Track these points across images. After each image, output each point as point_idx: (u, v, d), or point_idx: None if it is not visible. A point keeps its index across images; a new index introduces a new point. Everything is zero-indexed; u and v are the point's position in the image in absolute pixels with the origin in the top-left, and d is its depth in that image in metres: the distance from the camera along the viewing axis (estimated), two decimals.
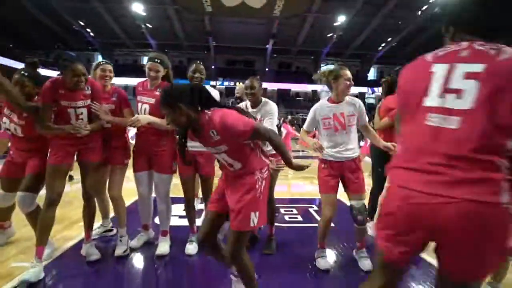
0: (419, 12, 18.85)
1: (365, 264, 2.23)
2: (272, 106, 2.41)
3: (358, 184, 2.21)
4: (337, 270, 2.27)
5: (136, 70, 14.51)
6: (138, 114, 2.27)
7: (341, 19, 20.21)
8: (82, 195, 2.21)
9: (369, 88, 27.77)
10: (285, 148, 1.55)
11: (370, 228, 2.71)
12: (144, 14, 19.87)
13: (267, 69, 28.36)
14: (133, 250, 2.38)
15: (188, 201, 2.45)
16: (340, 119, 2.20)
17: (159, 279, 2.11)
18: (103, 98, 2.25)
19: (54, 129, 2.01)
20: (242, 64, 29.31)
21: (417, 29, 21.30)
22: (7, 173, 2.28)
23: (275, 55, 28.03)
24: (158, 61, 2.27)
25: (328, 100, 2.26)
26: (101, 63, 2.43)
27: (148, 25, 21.41)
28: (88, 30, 22.90)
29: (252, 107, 2.42)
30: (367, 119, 2.30)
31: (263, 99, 2.45)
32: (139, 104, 2.30)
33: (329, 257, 2.36)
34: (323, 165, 2.28)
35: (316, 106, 2.32)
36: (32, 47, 24.36)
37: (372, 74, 29.99)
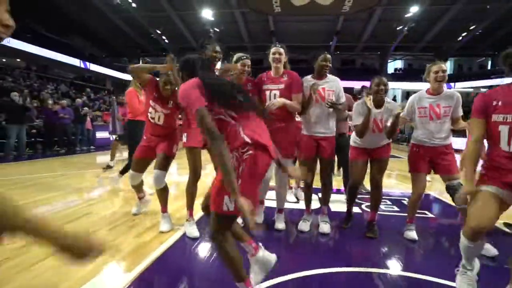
0: None
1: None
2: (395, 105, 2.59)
3: (449, 165, 2.38)
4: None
5: None
6: (269, 101, 2.55)
7: (413, 9, 18.74)
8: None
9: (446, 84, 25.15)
10: (226, 167, 1.31)
11: None
12: (212, 19, 21.20)
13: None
14: None
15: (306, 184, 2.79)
16: (436, 110, 2.42)
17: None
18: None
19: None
20: (305, 63, 29.14)
21: (508, 15, 18.59)
22: (142, 155, 2.75)
23: (337, 52, 27.22)
24: (279, 45, 2.60)
25: (426, 91, 2.51)
26: (242, 58, 2.63)
27: (216, 29, 22.74)
28: (163, 37, 25.24)
29: (376, 107, 2.59)
30: (461, 113, 2.43)
31: (387, 99, 2.61)
32: (267, 92, 2.57)
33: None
34: (414, 149, 2.54)
35: (414, 95, 2.59)
36: (117, 54, 27.85)
37: (448, 68, 27.10)
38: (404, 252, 2.33)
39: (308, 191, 2.74)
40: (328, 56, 2.58)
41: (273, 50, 2.55)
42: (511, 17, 18.99)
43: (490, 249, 2.27)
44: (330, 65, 2.58)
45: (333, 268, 1.96)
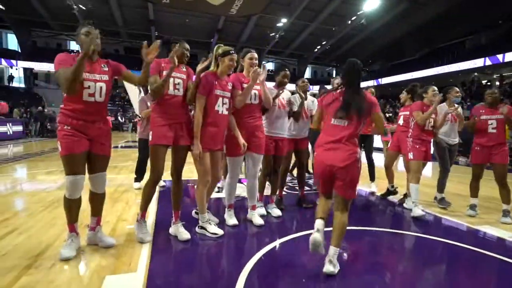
0: (349, 21, 21.48)
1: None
2: None
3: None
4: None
5: None
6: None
7: (283, 20, 21.70)
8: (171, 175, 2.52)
9: None
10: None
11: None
12: None
13: None
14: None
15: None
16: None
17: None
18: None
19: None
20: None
21: (347, 36, 24.23)
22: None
23: None
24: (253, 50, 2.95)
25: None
26: (231, 52, 2.56)
27: (81, 6, 19.39)
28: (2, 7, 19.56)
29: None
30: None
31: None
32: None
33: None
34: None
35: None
36: None
37: (308, 73, 32.69)
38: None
39: (264, 181, 3.23)
40: (288, 73, 3.20)
41: (250, 55, 2.82)
42: (348, 39, 24.81)
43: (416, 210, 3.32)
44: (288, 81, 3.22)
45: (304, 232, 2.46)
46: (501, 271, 2.21)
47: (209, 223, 2.59)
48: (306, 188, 4.11)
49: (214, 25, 23.15)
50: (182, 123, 2.42)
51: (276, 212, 3.19)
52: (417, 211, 3.29)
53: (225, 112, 2.54)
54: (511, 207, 3.34)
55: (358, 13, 20.19)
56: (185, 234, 2.44)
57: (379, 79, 24.63)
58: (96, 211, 2.27)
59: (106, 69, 2.19)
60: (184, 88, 2.43)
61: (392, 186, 4.13)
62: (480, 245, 2.58)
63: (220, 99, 2.49)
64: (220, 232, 2.56)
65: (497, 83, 17.79)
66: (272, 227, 2.92)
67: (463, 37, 20.99)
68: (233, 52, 2.52)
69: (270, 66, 33.02)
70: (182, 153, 2.47)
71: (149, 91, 2.36)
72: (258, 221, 2.87)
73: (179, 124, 2.40)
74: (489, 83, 18.59)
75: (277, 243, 2.48)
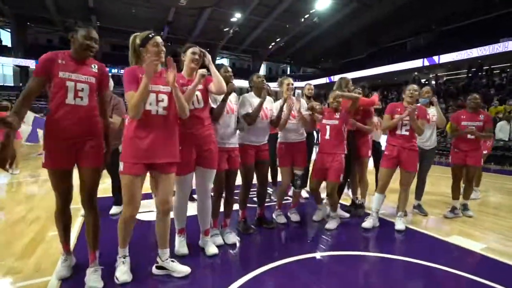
0: (303, 19, 21.74)
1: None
2: None
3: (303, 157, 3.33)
4: None
5: None
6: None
7: (237, 15, 21.16)
8: None
9: None
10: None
11: None
12: None
13: None
14: None
15: None
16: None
17: None
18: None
19: None
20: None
21: (301, 33, 24.54)
22: None
23: (169, 43, 26.67)
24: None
25: None
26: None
27: None
28: None
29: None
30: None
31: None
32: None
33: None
34: (282, 146, 3.24)
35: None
36: None
37: (262, 70, 32.60)
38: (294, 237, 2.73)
39: (217, 202, 2.66)
40: (229, 69, 2.67)
41: (192, 50, 2.26)
42: (302, 36, 25.18)
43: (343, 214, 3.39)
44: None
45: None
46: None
47: (172, 260, 2.08)
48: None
49: (164, 17, 21.69)
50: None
51: (231, 239, 2.69)
52: (368, 223, 3.23)
53: (163, 113, 1.95)
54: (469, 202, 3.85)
55: (311, 11, 20.53)
56: (93, 282, 1.86)
57: (331, 77, 25.47)
58: None
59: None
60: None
61: (357, 198, 3.86)
62: (448, 263, 2.43)
63: (153, 96, 1.91)
64: (186, 270, 2.07)
65: (433, 82, 19.42)
66: (230, 258, 2.46)
67: (405, 38, 22.57)
68: (153, 34, 1.92)
69: (224, 62, 32.35)
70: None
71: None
72: (212, 250, 2.40)
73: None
74: (426, 82, 20.23)
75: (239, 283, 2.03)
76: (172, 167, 2.00)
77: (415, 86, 3.20)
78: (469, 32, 17.82)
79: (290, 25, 23.01)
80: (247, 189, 2.93)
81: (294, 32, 24.07)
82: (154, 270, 2.07)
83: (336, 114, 3.16)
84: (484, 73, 16.53)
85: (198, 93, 2.24)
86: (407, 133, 3.17)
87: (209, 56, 2.29)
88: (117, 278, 1.92)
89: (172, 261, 2.07)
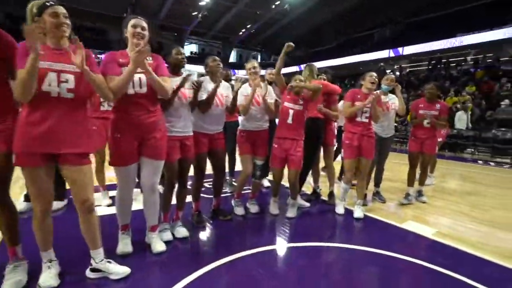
0: (274, 6, 21.40)
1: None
2: None
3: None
4: None
5: None
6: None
7: None
8: None
9: (231, 70, 29.58)
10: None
11: None
12: None
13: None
14: None
15: None
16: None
17: None
18: None
19: None
20: (91, 32, 24.68)
21: (271, 20, 24.20)
22: None
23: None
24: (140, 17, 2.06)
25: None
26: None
27: None
28: None
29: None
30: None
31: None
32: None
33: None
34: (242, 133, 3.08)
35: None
36: None
37: (233, 57, 31.95)
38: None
39: (168, 193, 2.46)
40: (183, 50, 2.47)
41: (134, 22, 1.99)
42: (272, 23, 24.87)
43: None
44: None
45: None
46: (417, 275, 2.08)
47: (108, 261, 1.86)
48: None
49: None
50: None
51: (181, 232, 2.50)
52: (340, 208, 3.30)
53: (67, 95, 1.63)
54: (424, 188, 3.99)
55: None
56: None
57: (301, 65, 25.56)
58: None
59: None
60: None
61: (318, 187, 3.84)
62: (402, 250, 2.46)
63: (53, 75, 1.59)
64: (123, 272, 1.87)
65: (398, 73, 20.18)
66: (179, 254, 2.28)
67: (372, 29, 23.12)
68: (52, 3, 1.61)
69: (193, 48, 31.23)
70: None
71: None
72: (158, 247, 2.20)
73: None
74: (391, 72, 21.00)
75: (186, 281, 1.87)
76: (83, 159, 1.72)
77: (374, 73, 3.17)
78: (432, 26, 18.60)
79: (260, 12, 22.59)
80: (199, 179, 2.75)
81: (265, 18, 23.69)
82: (88, 273, 1.84)
83: (300, 99, 3.03)
84: (442, 65, 17.42)
85: (141, 75, 1.97)
86: (367, 120, 3.15)
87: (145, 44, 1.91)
88: (39, 286, 1.67)
89: (108, 261, 1.85)
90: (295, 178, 3.03)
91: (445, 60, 17.51)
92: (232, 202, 3.22)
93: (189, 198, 2.72)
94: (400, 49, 18.69)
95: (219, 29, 26.21)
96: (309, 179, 3.98)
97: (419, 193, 3.93)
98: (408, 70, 20.56)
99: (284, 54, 2.92)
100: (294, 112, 2.99)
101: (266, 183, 4.26)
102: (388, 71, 21.24)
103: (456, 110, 9.31)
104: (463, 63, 16.66)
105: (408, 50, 18.24)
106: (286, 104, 3.02)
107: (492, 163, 7.59)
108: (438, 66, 17.55)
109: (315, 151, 3.46)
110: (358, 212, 3.17)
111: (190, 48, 30.45)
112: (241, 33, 26.94)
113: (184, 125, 2.38)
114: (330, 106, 3.49)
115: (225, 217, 2.94)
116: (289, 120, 2.99)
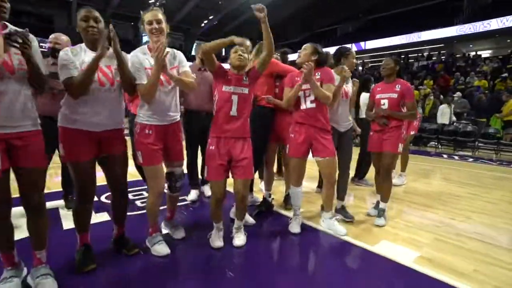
0: None
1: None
2: None
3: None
4: None
5: None
6: None
7: None
8: None
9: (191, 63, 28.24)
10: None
11: None
12: None
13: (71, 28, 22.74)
14: None
15: None
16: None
17: None
18: None
19: None
20: (33, 18, 21.90)
21: (235, 13, 23.20)
22: None
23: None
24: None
25: None
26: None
27: None
28: None
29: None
30: None
31: None
32: None
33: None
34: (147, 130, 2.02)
35: None
36: None
37: (195, 50, 30.48)
38: None
39: None
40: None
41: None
42: (236, 16, 23.91)
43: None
44: None
45: None
46: None
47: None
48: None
49: None
50: None
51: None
52: (294, 228, 2.56)
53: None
54: (387, 206, 2.87)
55: None
56: None
57: None
58: None
59: None
60: None
61: (270, 195, 3.03)
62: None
63: None
64: None
65: (360, 68, 20.31)
66: None
67: (336, 24, 23.15)
68: None
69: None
70: None
71: None
72: None
73: None
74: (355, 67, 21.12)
75: None
76: None
77: (308, 44, 2.57)
78: (393, 22, 18.90)
79: (222, 2, 21.51)
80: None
81: (228, 10, 22.65)
82: None
83: (245, 78, 2.19)
84: (402, 60, 17.73)
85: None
86: (313, 105, 2.38)
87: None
88: None
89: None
90: (245, 191, 2.22)
91: (404, 56, 17.85)
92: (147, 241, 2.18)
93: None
94: (362, 43, 18.79)
95: (180, 19, 24.70)
96: (260, 184, 3.22)
97: (378, 212, 2.83)
98: (370, 65, 20.81)
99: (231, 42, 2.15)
100: (239, 97, 2.15)
101: (207, 191, 3.37)
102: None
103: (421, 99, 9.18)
104: (420, 59, 17.09)
105: (370, 44, 18.39)
106: (225, 88, 2.16)
107: (456, 157, 7.40)
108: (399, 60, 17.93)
109: (260, 150, 2.68)
110: (339, 229, 2.55)
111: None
112: (203, 24, 25.67)
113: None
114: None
115: (131, 251, 2.03)
116: (233, 112, 2.14)
